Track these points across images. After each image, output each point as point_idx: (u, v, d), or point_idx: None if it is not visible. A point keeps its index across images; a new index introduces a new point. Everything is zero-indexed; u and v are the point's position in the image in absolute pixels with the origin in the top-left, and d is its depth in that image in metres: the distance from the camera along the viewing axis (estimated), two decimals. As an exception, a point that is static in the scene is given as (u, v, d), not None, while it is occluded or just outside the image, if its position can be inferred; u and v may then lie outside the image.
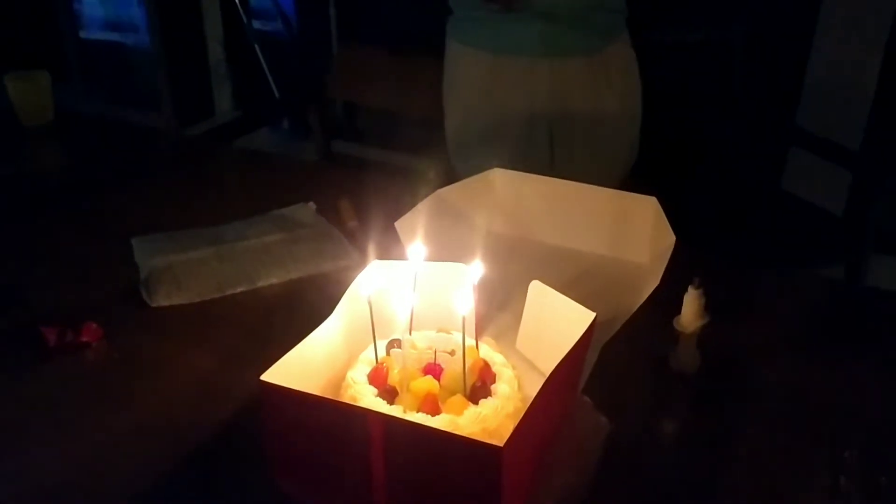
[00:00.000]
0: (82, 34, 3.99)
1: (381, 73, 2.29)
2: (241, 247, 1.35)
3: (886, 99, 2.58)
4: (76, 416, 1.05)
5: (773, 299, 1.31)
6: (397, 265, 1.03)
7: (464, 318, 0.91)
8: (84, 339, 1.16)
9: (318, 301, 1.03)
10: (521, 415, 0.81)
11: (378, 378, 0.94)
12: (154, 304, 1.24)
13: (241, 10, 3.61)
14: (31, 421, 1.04)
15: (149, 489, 0.93)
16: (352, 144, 3.28)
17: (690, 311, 1.07)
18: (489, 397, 0.92)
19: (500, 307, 1.12)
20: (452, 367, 0.94)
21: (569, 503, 0.92)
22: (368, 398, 0.91)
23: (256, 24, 3.73)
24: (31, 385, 1.10)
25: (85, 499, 0.94)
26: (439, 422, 0.87)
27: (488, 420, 0.89)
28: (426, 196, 1.19)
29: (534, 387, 0.85)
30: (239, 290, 1.28)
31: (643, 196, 1.18)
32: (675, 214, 1.14)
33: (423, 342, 0.99)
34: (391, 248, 1.13)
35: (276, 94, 3.60)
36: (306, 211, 1.47)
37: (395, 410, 0.89)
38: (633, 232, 1.19)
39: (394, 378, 0.94)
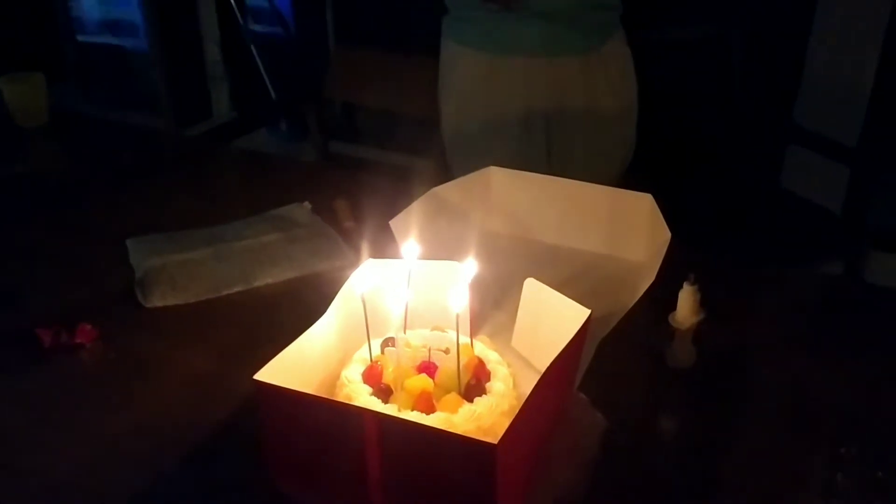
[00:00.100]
0: (79, 36, 3.99)
1: (377, 72, 2.29)
2: (237, 247, 1.35)
3: (884, 95, 2.58)
4: (72, 417, 1.05)
5: (770, 296, 1.31)
6: (391, 264, 1.03)
7: (458, 316, 0.91)
8: (79, 340, 1.15)
9: (314, 300, 1.03)
10: (517, 412, 0.81)
11: (373, 377, 0.94)
12: (149, 305, 1.24)
13: (237, 12, 3.60)
14: (27, 422, 1.04)
15: (146, 489, 0.93)
16: (349, 145, 3.27)
17: (686, 307, 1.07)
18: (484, 395, 0.92)
19: (495, 305, 1.12)
20: (447, 365, 0.94)
21: (566, 500, 0.92)
22: (363, 397, 0.91)
23: (253, 26, 3.73)
24: (26, 386, 1.10)
25: (83, 499, 0.94)
26: (434, 420, 0.87)
27: (483, 418, 0.89)
28: (422, 195, 1.19)
29: (529, 384, 0.85)
30: (235, 290, 1.28)
31: (638, 193, 1.18)
32: (674, 213, 1.14)
33: (417, 340, 0.98)
34: (387, 247, 1.13)
35: (273, 96, 3.60)
36: (302, 211, 1.47)
37: (389, 409, 0.88)
38: (629, 229, 1.19)
39: (388, 376, 0.93)
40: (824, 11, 2.66)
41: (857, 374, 1.11)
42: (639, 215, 1.17)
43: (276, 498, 0.90)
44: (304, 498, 0.90)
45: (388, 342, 0.98)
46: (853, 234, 2.17)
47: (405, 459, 0.82)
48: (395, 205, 1.17)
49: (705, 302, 1.08)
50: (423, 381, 0.91)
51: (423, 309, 1.01)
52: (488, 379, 0.95)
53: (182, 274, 1.28)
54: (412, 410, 0.89)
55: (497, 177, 1.27)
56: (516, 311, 1.07)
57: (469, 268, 0.98)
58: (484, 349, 1.01)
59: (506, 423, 0.80)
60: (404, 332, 0.99)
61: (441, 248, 1.07)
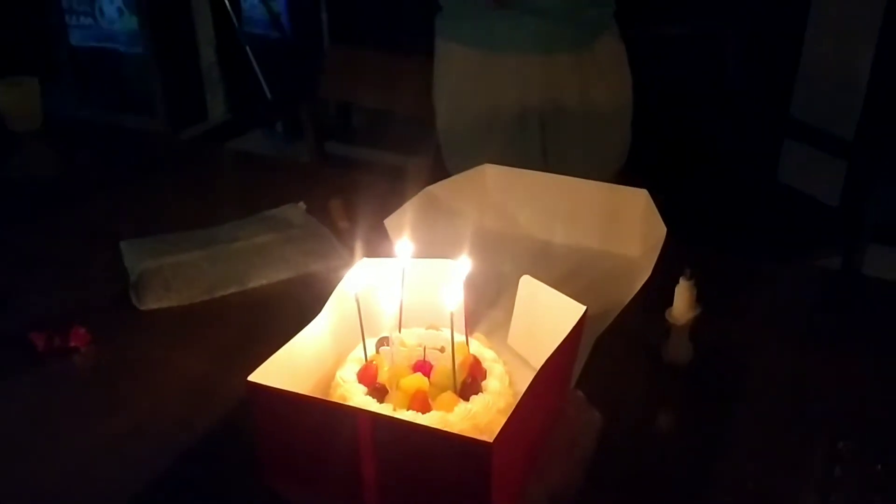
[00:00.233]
0: (74, 40, 3.98)
1: (371, 72, 2.28)
2: (231, 248, 1.34)
3: (880, 89, 2.57)
4: (67, 421, 1.04)
5: (767, 290, 1.30)
6: (385, 263, 1.02)
7: (452, 315, 0.90)
8: (73, 343, 1.15)
9: (308, 301, 1.02)
10: (512, 411, 0.80)
11: (367, 376, 0.93)
12: (143, 308, 1.24)
13: (231, 14, 3.60)
14: (22, 427, 1.03)
15: (142, 492, 0.93)
16: (345, 145, 3.27)
17: (682, 302, 1.06)
18: (480, 393, 0.92)
19: (491, 303, 1.11)
20: (442, 364, 0.93)
21: (563, 498, 0.92)
22: (358, 397, 0.90)
23: (247, 27, 3.72)
24: (20, 391, 1.09)
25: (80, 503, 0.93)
26: (429, 419, 0.86)
27: (479, 416, 0.88)
28: (416, 193, 1.19)
29: (525, 382, 0.84)
30: (229, 291, 1.27)
31: (634, 189, 1.18)
32: (670, 208, 1.14)
33: (412, 339, 0.98)
34: (382, 247, 1.13)
35: (269, 97, 3.60)
36: (296, 211, 1.46)
37: (384, 409, 0.88)
38: (624, 225, 1.18)
39: (383, 376, 0.93)
40: (820, 5, 2.66)
41: (856, 368, 1.11)
42: (634, 211, 1.17)
43: (271, 499, 0.89)
44: (299, 499, 0.90)
45: (383, 341, 0.97)
46: (851, 227, 2.16)
47: (400, 459, 0.81)
48: (390, 204, 1.17)
49: (702, 297, 1.08)
50: (418, 381, 0.91)
51: (418, 308, 1.01)
52: (484, 377, 0.95)
53: (176, 276, 1.27)
54: (407, 410, 0.88)
55: (491, 174, 1.26)
56: (512, 308, 1.06)
57: (463, 266, 0.97)
58: (479, 347, 1.00)
59: (502, 422, 0.79)
60: (399, 332, 0.99)
61: (436, 247, 1.07)
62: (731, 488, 0.92)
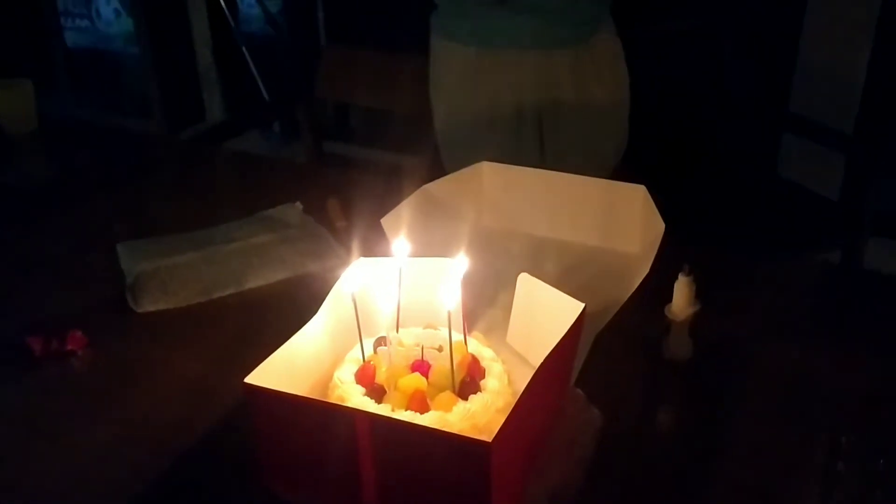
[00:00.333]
0: (69, 42, 3.98)
1: (368, 71, 2.28)
2: (228, 249, 1.34)
3: (878, 81, 2.57)
4: (65, 425, 1.04)
5: (767, 285, 1.30)
6: (382, 262, 1.02)
7: (450, 314, 0.89)
8: (70, 347, 1.14)
9: (306, 301, 1.02)
10: (511, 410, 0.79)
11: (365, 377, 0.93)
12: (140, 310, 1.23)
13: (228, 14, 3.59)
14: (19, 431, 1.03)
15: (141, 495, 0.93)
16: (342, 144, 3.26)
17: (681, 298, 1.06)
18: (478, 393, 0.91)
19: (489, 301, 1.11)
20: (440, 364, 0.93)
21: (563, 497, 0.91)
22: (356, 398, 0.90)
23: (244, 27, 3.71)
24: (17, 396, 1.09)
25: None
26: (428, 419, 0.86)
27: (478, 416, 0.88)
28: (413, 192, 1.18)
29: (524, 381, 0.84)
30: (226, 293, 1.27)
31: (632, 185, 1.17)
32: (668, 204, 1.13)
33: (410, 339, 0.97)
34: (380, 246, 1.12)
35: (266, 97, 3.59)
36: (293, 211, 1.46)
37: (383, 409, 0.87)
38: (623, 221, 1.18)
39: (381, 376, 0.92)
40: (816, -1, 2.66)
41: (857, 362, 1.10)
42: (632, 207, 1.16)
43: (270, 501, 0.89)
44: (298, 501, 0.89)
45: (381, 341, 0.96)
46: (851, 221, 2.15)
47: (399, 460, 0.81)
48: (388, 203, 1.16)
49: (701, 293, 1.07)
50: (416, 381, 0.90)
51: (416, 307, 1.00)
52: (483, 376, 0.94)
53: (173, 278, 1.27)
54: (406, 410, 0.87)
55: (488, 172, 1.26)
56: (510, 306, 1.05)
57: (461, 264, 0.97)
58: (478, 346, 1.00)
59: (501, 421, 0.79)
60: (397, 331, 0.98)
61: (433, 245, 1.06)
62: (732, 485, 0.92)
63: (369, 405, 0.88)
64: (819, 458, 0.94)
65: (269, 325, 1.18)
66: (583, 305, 0.93)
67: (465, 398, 0.90)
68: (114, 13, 4.12)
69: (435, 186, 1.21)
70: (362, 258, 1.02)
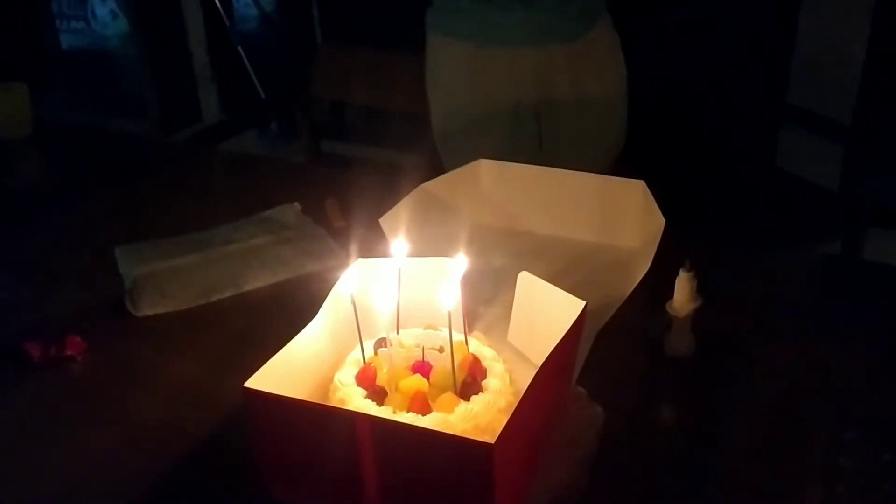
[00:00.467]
0: (64, 44, 3.97)
1: (364, 69, 2.27)
2: (227, 251, 1.33)
3: (876, 71, 2.56)
4: (64, 430, 1.03)
5: (768, 278, 1.29)
6: (381, 263, 1.01)
7: (450, 314, 0.89)
8: (69, 353, 1.14)
9: (306, 302, 1.02)
10: (513, 410, 0.79)
11: (366, 379, 0.92)
12: (139, 314, 1.22)
13: (223, 14, 3.58)
14: (18, 438, 1.02)
15: (141, 500, 0.92)
16: (340, 143, 3.25)
17: (683, 294, 1.05)
18: (480, 393, 0.90)
19: (490, 300, 1.10)
20: (441, 364, 0.92)
21: (566, 496, 0.90)
22: (357, 400, 0.89)
23: (239, 26, 3.70)
24: (16, 402, 1.08)
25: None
26: (430, 421, 0.85)
27: (480, 416, 0.87)
28: (411, 191, 1.18)
29: (526, 380, 0.83)
30: (225, 295, 1.26)
31: (631, 180, 1.16)
32: (668, 198, 1.12)
33: (410, 340, 0.97)
34: (379, 246, 1.11)
35: (262, 96, 3.58)
36: (291, 212, 1.45)
37: (384, 412, 0.87)
38: (622, 217, 1.17)
39: (382, 378, 0.92)
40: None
41: (859, 354, 1.09)
42: (632, 202, 1.15)
43: (270, 505, 0.89)
44: (299, 504, 0.89)
45: (381, 343, 0.96)
46: (850, 211, 2.15)
47: (401, 462, 0.80)
48: (386, 202, 1.16)
49: (702, 288, 1.06)
50: (417, 382, 0.90)
51: (416, 307, 1.00)
52: (484, 376, 0.93)
53: (171, 281, 1.26)
54: (407, 412, 0.87)
55: (486, 169, 1.25)
56: (510, 304, 1.05)
57: (460, 264, 0.96)
58: (479, 346, 0.99)
59: (503, 421, 0.78)
60: (397, 332, 0.98)
61: (432, 244, 1.06)
62: (736, 481, 0.91)
63: (371, 407, 0.88)
64: (823, 454, 0.94)
65: (268, 326, 1.17)
66: (584, 304, 0.93)
67: (467, 399, 0.89)
68: (109, 14, 4.11)
69: (433, 185, 1.21)
70: (361, 259, 1.01)
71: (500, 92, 1.71)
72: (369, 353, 0.96)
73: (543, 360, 0.85)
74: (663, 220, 1.07)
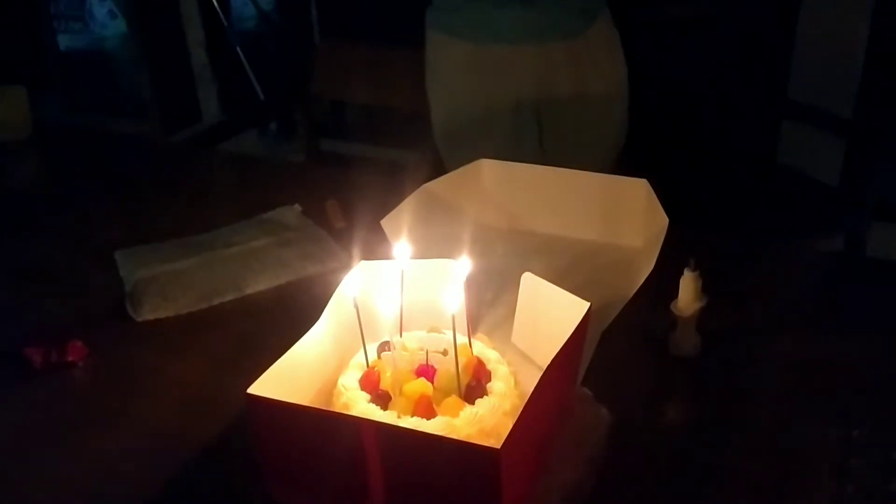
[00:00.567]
0: (63, 45, 3.96)
1: (364, 67, 2.26)
2: (228, 254, 1.32)
3: (876, 65, 2.55)
4: (66, 436, 1.02)
5: (773, 275, 1.29)
6: (384, 265, 1.00)
7: (453, 316, 0.88)
8: (70, 358, 1.13)
9: (308, 305, 1.01)
10: (519, 412, 0.78)
11: (370, 383, 0.91)
12: (140, 318, 1.21)
13: (221, 14, 3.57)
14: (20, 445, 1.02)
15: (144, 505, 0.92)
16: (340, 142, 3.24)
17: (687, 293, 1.05)
18: (485, 396, 0.90)
19: (493, 301, 1.10)
20: (446, 367, 0.91)
21: (573, 498, 0.90)
22: (361, 405, 0.88)
23: (237, 24, 3.69)
24: (17, 409, 1.08)
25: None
26: (435, 425, 0.84)
27: (485, 420, 0.86)
28: (413, 191, 1.17)
29: (531, 382, 0.83)
30: (227, 298, 1.25)
31: (634, 179, 1.16)
32: (670, 196, 1.12)
33: (413, 343, 0.96)
34: (381, 247, 1.11)
35: (261, 96, 3.57)
36: (292, 213, 1.45)
37: (389, 416, 0.86)
38: (626, 216, 1.17)
39: (386, 382, 0.91)
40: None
41: (865, 351, 1.09)
42: (635, 201, 1.15)
43: (274, 511, 0.88)
44: (304, 510, 0.88)
45: (384, 346, 0.95)
46: (852, 206, 2.15)
47: (407, 468, 0.80)
48: (388, 203, 1.15)
49: (707, 287, 1.06)
50: (421, 386, 0.89)
51: (419, 310, 0.99)
52: (489, 379, 0.93)
53: (172, 285, 1.25)
54: (412, 416, 0.86)
55: (488, 169, 1.24)
56: (514, 305, 1.04)
57: (463, 266, 0.95)
58: (483, 348, 0.98)
59: (508, 424, 0.77)
60: (400, 335, 0.97)
61: (435, 246, 1.05)
62: (744, 480, 0.90)
63: (375, 412, 0.87)
64: (831, 452, 0.93)
65: (270, 330, 1.17)
66: (588, 305, 0.92)
67: (472, 402, 0.89)
68: (108, 15, 4.10)
69: (434, 185, 1.20)
70: (363, 261, 1.00)
71: (501, 90, 1.71)
72: (373, 356, 0.95)
73: (548, 361, 0.84)
74: (667, 219, 1.06)
